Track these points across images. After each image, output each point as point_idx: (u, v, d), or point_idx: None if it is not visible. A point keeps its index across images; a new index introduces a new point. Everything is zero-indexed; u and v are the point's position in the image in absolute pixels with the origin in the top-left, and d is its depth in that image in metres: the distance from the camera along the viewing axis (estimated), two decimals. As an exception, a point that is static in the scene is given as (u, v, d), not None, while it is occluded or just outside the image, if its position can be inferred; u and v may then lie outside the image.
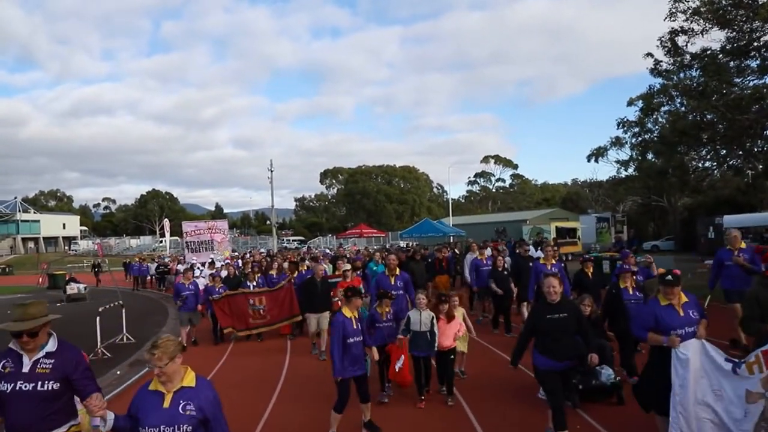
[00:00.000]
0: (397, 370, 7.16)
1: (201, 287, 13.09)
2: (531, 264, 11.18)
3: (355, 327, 6.26)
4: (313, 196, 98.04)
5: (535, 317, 5.78)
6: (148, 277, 28.02)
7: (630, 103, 38.00)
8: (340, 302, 8.59)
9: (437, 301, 7.65)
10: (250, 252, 28.08)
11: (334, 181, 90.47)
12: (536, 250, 15.70)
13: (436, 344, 7.24)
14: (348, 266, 10.82)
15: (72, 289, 23.42)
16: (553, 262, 10.29)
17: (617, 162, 43.36)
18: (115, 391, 8.76)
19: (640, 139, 36.64)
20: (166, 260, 27.97)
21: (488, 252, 14.51)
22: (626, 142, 40.90)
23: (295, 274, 12.97)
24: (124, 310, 13.17)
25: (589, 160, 46.48)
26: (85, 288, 23.75)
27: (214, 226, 23.37)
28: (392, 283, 8.69)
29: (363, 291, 10.01)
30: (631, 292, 8.03)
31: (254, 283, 12.99)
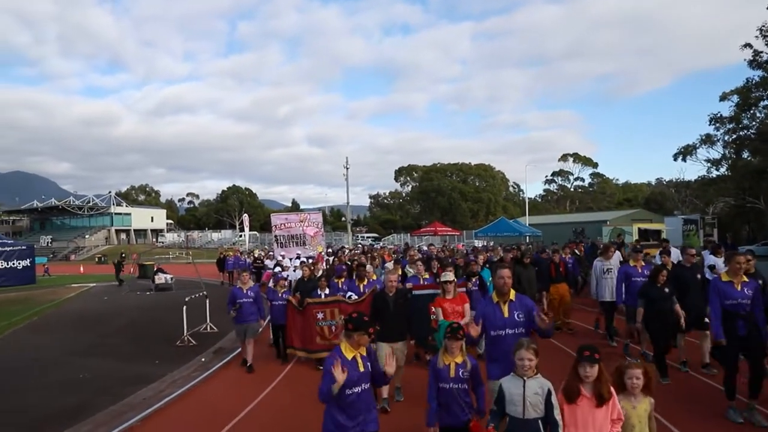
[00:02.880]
0: None
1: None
2: (699, 276, 8.53)
3: (361, 370, 4.34)
4: (387, 194, 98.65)
5: None
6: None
7: (723, 97, 35.93)
8: (438, 316, 7.25)
9: (578, 359, 3.98)
10: (339, 249, 24.58)
11: (408, 178, 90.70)
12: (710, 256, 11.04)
13: None
14: (449, 275, 7.59)
15: (160, 279, 24.72)
16: (745, 280, 6.55)
17: (707, 161, 40.97)
18: (201, 376, 9.20)
19: (734, 136, 34.54)
20: (260, 255, 26.25)
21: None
22: (718, 140, 38.60)
23: (365, 282, 10.15)
24: (208, 301, 13.75)
25: (676, 159, 44.19)
26: (172, 278, 24.98)
27: (306, 219, 20.79)
28: (505, 314, 5.16)
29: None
30: None
31: (326, 292, 10.06)
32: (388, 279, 7.80)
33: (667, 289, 8.05)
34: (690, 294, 8.30)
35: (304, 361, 9.86)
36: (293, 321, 9.85)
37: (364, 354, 4.43)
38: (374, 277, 10.69)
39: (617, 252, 11.60)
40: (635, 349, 9.37)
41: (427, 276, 9.91)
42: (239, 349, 10.59)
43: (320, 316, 9.58)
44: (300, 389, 8.31)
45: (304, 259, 15.55)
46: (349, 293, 9.95)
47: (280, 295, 10.32)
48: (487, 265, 11.70)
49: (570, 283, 12.42)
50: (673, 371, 8.14)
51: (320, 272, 11.96)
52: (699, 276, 8.56)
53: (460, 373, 4.63)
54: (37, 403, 8.15)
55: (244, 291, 9.81)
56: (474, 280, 9.78)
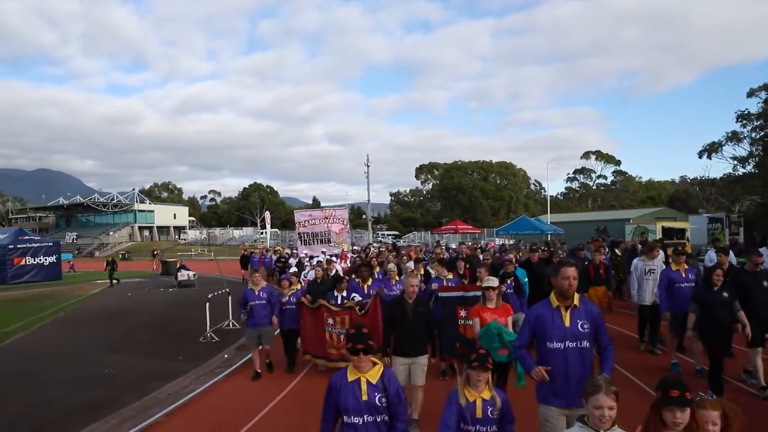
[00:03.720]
0: None
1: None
2: (766, 284, 7.42)
3: (363, 398, 3.60)
4: (408, 191, 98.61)
5: None
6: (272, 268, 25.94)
7: (751, 93, 35.30)
8: (475, 327, 6.42)
9: (662, 401, 2.96)
10: (366, 247, 23.09)
11: (429, 176, 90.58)
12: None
13: None
14: (493, 281, 6.55)
15: (182, 275, 24.99)
16: None
17: (734, 158, 40.19)
18: (224, 372, 9.28)
19: (762, 133, 33.96)
20: (286, 252, 26.10)
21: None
22: (745, 137, 37.90)
23: (369, 282, 9.75)
24: (230, 298, 13.87)
25: (701, 156, 43.33)
26: (194, 275, 25.25)
27: (332, 215, 20.00)
28: (566, 323, 4.13)
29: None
30: None
31: (343, 294, 9.14)
32: (408, 283, 6.47)
33: (726, 293, 7.02)
34: (754, 304, 7.17)
35: (325, 370, 8.98)
36: (305, 325, 9.24)
37: (375, 381, 3.61)
38: (396, 279, 9.75)
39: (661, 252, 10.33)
40: (684, 360, 8.52)
41: (450, 276, 9.24)
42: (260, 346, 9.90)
43: (330, 321, 8.83)
44: (323, 386, 8.33)
45: (321, 259, 14.49)
46: (353, 294, 9.24)
47: (288, 297, 9.40)
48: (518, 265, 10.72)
49: (608, 286, 11.46)
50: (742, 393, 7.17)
51: (332, 272, 11.35)
52: (766, 284, 7.38)
53: (489, 412, 3.73)
54: (65, 396, 8.30)
55: (256, 292, 9.08)
56: (509, 281, 8.79)
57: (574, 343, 4.08)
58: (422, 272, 10.64)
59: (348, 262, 15.55)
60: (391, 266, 10.25)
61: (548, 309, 4.23)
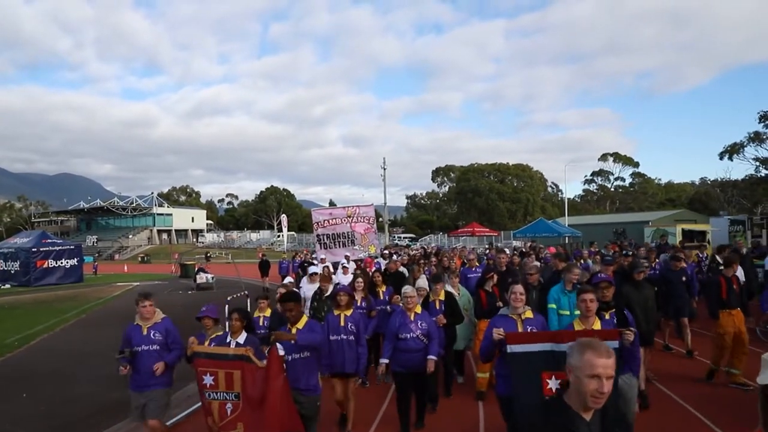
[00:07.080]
0: None
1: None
2: None
3: None
4: (424, 194, 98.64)
5: None
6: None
7: (772, 94, 34.87)
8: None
9: None
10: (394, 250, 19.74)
11: (445, 179, 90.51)
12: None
13: None
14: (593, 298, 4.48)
15: (201, 278, 25.27)
16: None
17: (756, 159, 39.74)
18: (244, 374, 9.37)
19: (784, 134, 33.53)
20: (313, 257, 21.99)
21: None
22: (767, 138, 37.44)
23: (302, 324, 5.25)
24: (248, 300, 14.01)
25: (722, 158, 42.94)
26: (213, 278, 25.50)
27: (355, 213, 16.94)
28: None
29: None
30: None
31: (237, 340, 5.44)
32: (597, 368, 2.05)
33: None
34: None
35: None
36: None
37: None
38: (418, 311, 6.07)
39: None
40: None
41: (530, 315, 5.00)
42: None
43: (208, 381, 4.95)
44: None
45: (319, 269, 11.01)
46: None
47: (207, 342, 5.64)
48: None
49: (744, 309, 7.90)
50: None
51: (328, 291, 8.28)
52: None
53: None
54: (92, 394, 8.51)
55: (144, 332, 5.65)
56: (608, 316, 5.13)
57: None
58: (441, 296, 7.24)
59: (374, 268, 11.72)
60: (408, 289, 6.20)
61: None
